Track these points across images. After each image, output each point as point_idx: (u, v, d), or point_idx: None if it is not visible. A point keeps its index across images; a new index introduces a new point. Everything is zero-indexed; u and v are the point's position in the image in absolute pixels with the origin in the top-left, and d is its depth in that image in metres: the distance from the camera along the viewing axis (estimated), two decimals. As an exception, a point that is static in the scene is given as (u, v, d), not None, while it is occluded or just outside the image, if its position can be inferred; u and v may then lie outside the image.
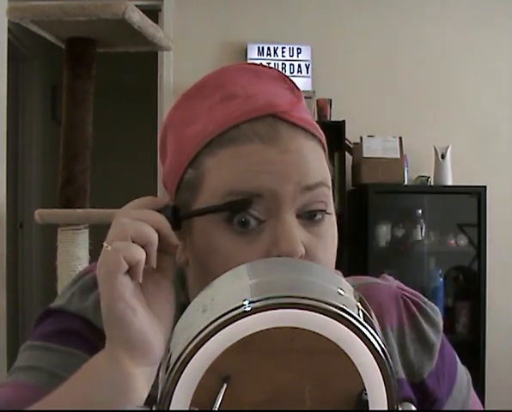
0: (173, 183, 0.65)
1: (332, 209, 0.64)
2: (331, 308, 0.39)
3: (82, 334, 0.71)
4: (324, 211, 0.62)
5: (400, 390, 0.72)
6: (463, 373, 0.80)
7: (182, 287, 0.72)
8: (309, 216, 0.62)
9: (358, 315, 0.39)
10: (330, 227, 0.63)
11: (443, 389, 0.76)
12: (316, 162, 0.62)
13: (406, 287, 0.79)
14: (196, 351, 0.39)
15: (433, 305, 0.79)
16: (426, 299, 0.78)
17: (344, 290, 0.42)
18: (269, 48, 3.60)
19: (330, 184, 0.64)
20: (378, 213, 3.39)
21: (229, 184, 0.59)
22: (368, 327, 0.39)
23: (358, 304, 0.41)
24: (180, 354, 0.39)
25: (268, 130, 0.60)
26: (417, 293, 0.79)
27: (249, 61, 3.56)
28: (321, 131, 0.67)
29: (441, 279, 3.42)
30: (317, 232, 0.62)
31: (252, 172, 0.59)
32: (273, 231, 0.59)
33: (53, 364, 0.68)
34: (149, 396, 0.56)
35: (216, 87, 0.65)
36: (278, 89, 0.65)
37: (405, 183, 3.47)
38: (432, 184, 3.51)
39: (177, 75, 3.64)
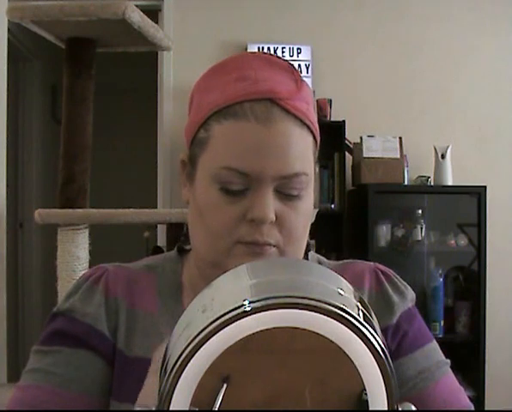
0: (189, 137, 0.78)
1: (309, 188, 0.75)
2: (331, 308, 0.39)
3: (65, 331, 0.78)
4: (300, 191, 0.73)
5: None
6: (436, 353, 0.83)
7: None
8: (292, 195, 0.73)
9: (358, 315, 0.39)
10: (303, 203, 0.74)
11: (402, 346, 0.80)
12: (300, 149, 0.72)
13: (382, 266, 0.87)
14: (196, 351, 0.39)
15: (405, 283, 0.86)
16: (399, 277, 0.86)
17: (344, 290, 0.42)
18: (269, 48, 3.60)
19: (310, 171, 0.74)
20: (378, 213, 3.38)
21: (225, 159, 0.71)
22: (368, 327, 0.39)
23: (358, 304, 0.41)
24: (180, 354, 0.39)
25: (264, 111, 0.70)
26: (391, 271, 0.87)
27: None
28: (316, 124, 0.76)
29: (441, 279, 3.42)
30: (291, 205, 0.73)
31: (243, 151, 0.70)
32: (251, 198, 0.71)
33: (48, 363, 0.77)
34: None
35: (234, 68, 0.75)
36: (284, 78, 0.74)
37: (405, 183, 3.47)
38: (432, 184, 3.51)
39: (177, 75, 3.64)
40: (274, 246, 0.73)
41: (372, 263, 0.87)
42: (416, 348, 0.81)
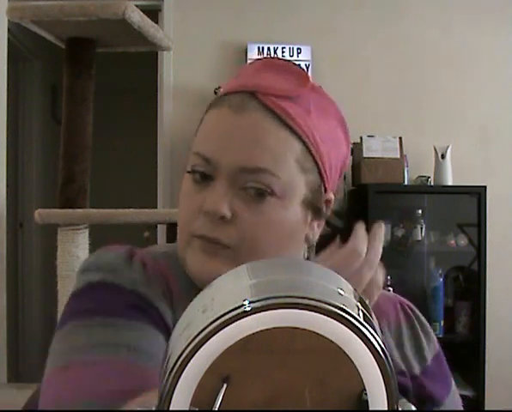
0: None
1: (285, 197, 0.70)
2: (331, 308, 0.39)
3: (144, 308, 0.70)
4: (264, 192, 0.69)
5: (403, 380, 0.77)
6: (456, 390, 0.84)
7: None
8: (254, 193, 0.69)
9: (358, 315, 0.39)
10: (270, 208, 0.69)
11: (440, 389, 0.80)
12: (271, 146, 0.69)
13: (402, 298, 0.86)
14: (196, 351, 0.39)
15: (424, 318, 0.85)
16: (417, 311, 0.85)
17: (344, 290, 0.42)
18: (269, 48, 3.60)
19: (286, 176, 0.69)
20: (378, 213, 3.38)
21: (197, 143, 0.73)
22: (368, 327, 0.39)
23: (358, 304, 0.41)
24: (180, 354, 0.39)
25: (240, 100, 0.70)
26: (410, 304, 0.85)
27: (249, 61, 3.56)
28: (312, 137, 0.71)
29: (441, 279, 3.42)
30: (252, 205, 0.69)
31: (209, 138, 0.71)
32: (209, 190, 0.70)
33: (127, 338, 0.67)
34: None
35: (249, 68, 0.76)
36: (283, 79, 0.72)
37: (405, 183, 3.47)
38: (432, 184, 3.51)
39: (177, 75, 3.64)
40: (228, 248, 0.68)
41: (393, 295, 0.85)
42: (449, 391, 0.81)
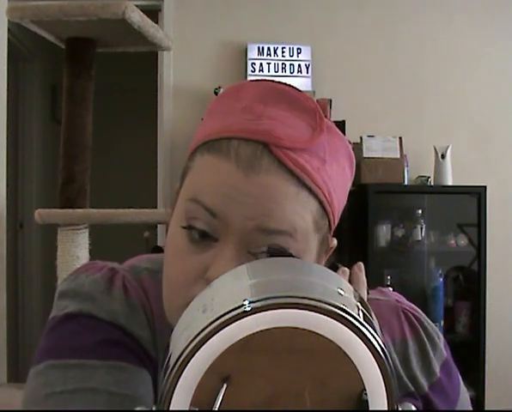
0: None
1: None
2: (331, 308, 0.39)
3: (124, 343, 0.66)
4: (279, 256, 0.60)
5: (414, 402, 0.72)
6: (465, 392, 0.80)
7: None
8: (258, 252, 0.60)
9: (358, 315, 0.39)
10: None
11: (450, 400, 0.76)
12: (288, 210, 0.59)
13: (405, 301, 0.79)
14: (196, 351, 0.39)
15: (430, 322, 0.78)
16: (424, 315, 0.78)
17: (344, 290, 0.42)
18: (269, 48, 3.60)
19: (301, 239, 0.61)
20: (378, 213, 3.38)
21: (196, 189, 0.61)
22: (368, 327, 0.39)
23: (358, 304, 0.41)
24: (180, 354, 0.39)
25: (250, 156, 0.59)
26: (415, 307, 0.79)
27: (249, 61, 3.57)
28: (328, 192, 0.63)
29: (441, 279, 3.42)
30: None
31: (214, 189, 0.60)
32: (213, 254, 0.60)
33: (106, 382, 0.63)
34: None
35: (247, 95, 0.64)
36: (298, 122, 0.62)
37: (405, 183, 3.47)
38: (432, 184, 3.51)
39: (177, 75, 3.64)
40: None
41: (394, 300, 0.78)
42: (456, 401, 0.77)
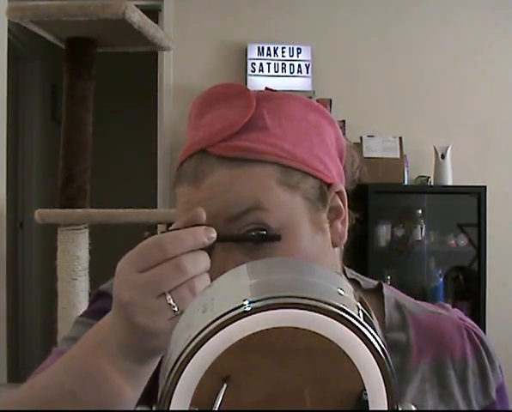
0: None
1: (283, 225, 0.63)
2: (331, 308, 0.39)
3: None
4: (263, 232, 0.63)
5: None
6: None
7: None
8: (252, 242, 0.63)
9: (358, 315, 0.39)
10: (275, 251, 0.63)
11: None
12: (241, 191, 0.63)
13: (467, 318, 0.78)
14: (196, 351, 0.39)
15: (491, 343, 0.77)
16: (484, 334, 0.77)
17: (344, 290, 0.42)
18: (269, 48, 3.60)
19: (273, 204, 0.63)
20: (378, 213, 3.39)
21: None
22: (368, 327, 0.39)
23: (358, 304, 0.41)
24: (180, 354, 0.39)
25: (193, 168, 0.65)
26: (476, 326, 0.78)
27: (249, 61, 3.57)
28: (281, 150, 0.65)
29: (441, 279, 3.42)
30: (260, 256, 0.62)
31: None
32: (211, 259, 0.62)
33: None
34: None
35: (191, 115, 0.71)
36: (232, 111, 0.66)
37: (405, 183, 3.47)
38: (432, 184, 3.51)
39: (177, 75, 3.64)
40: None
41: (457, 317, 0.77)
42: None
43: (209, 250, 0.61)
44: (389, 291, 0.78)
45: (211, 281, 0.60)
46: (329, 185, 0.69)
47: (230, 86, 0.68)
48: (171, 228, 0.61)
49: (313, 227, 0.66)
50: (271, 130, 0.66)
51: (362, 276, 0.81)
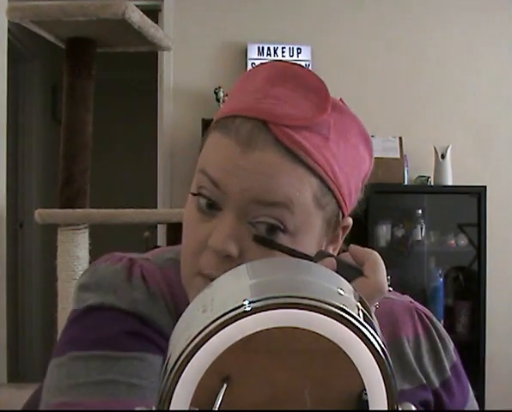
0: None
1: (296, 231, 0.64)
2: (331, 308, 0.38)
3: (145, 334, 0.68)
4: (276, 228, 0.63)
5: (425, 394, 0.76)
6: (473, 397, 0.82)
7: None
8: (264, 229, 0.63)
9: (358, 315, 0.39)
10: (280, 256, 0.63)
11: (458, 401, 0.78)
12: (283, 184, 0.62)
13: (417, 303, 0.82)
14: (196, 351, 0.39)
15: (439, 323, 0.82)
16: (433, 316, 0.82)
17: (344, 290, 0.42)
18: (269, 48, 3.60)
19: (300, 212, 0.63)
20: (378, 213, 3.39)
21: (204, 162, 0.66)
22: (368, 327, 0.39)
23: (358, 304, 0.41)
24: (180, 354, 0.39)
25: (249, 133, 0.63)
26: (426, 308, 0.82)
27: (249, 61, 3.57)
28: (330, 169, 0.65)
29: (441, 279, 3.42)
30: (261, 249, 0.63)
31: (217, 162, 0.64)
32: (216, 223, 0.64)
33: (127, 373, 0.65)
34: None
35: (261, 77, 0.67)
36: (304, 102, 0.65)
37: (405, 183, 3.47)
38: (432, 184, 3.51)
39: (177, 75, 3.64)
40: None
41: (408, 301, 0.81)
42: (465, 403, 0.79)
43: (213, 205, 0.64)
44: None
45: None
46: (342, 215, 0.70)
47: (311, 74, 0.67)
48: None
49: (315, 244, 0.67)
50: (330, 144, 0.65)
51: None
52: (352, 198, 0.70)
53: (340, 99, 0.70)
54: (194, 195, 0.66)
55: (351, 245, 0.66)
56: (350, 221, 0.72)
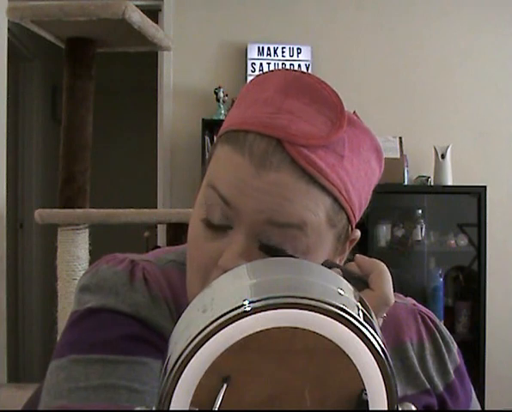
0: None
1: (307, 251, 0.62)
2: (331, 308, 0.38)
3: (146, 337, 0.67)
4: (287, 254, 0.61)
5: (429, 399, 0.75)
6: (476, 400, 0.82)
7: None
8: (274, 253, 0.61)
9: (358, 315, 0.39)
10: None
11: (462, 404, 0.78)
12: (298, 205, 0.60)
13: (420, 305, 0.81)
14: (196, 351, 0.38)
15: (443, 326, 0.81)
16: (437, 318, 0.81)
17: (344, 290, 0.42)
18: (269, 48, 3.60)
19: (314, 233, 0.62)
20: (378, 213, 3.39)
21: (214, 177, 0.64)
22: (368, 327, 0.39)
23: (358, 304, 0.41)
24: (180, 354, 0.39)
25: (264, 152, 0.60)
26: (429, 311, 0.82)
27: (249, 61, 3.57)
28: (344, 188, 0.63)
29: (441, 279, 3.42)
30: None
31: (228, 180, 0.62)
32: (227, 241, 0.62)
33: (128, 377, 0.64)
34: None
35: (272, 86, 0.64)
36: (317, 117, 0.62)
37: (405, 183, 3.47)
38: (432, 184, 3.51)
39: (177, 75, 3.64)
40: None
41: (411, 304, 0.80)
42: (468, 406, 0.79)
43: (222, 224, 0.62)
44: None
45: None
46: (351, 229, 0.69)
47: (325, 86, 0.64)
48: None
49: (323, 258, 0.66)
50: (345, 162, 0.63)
51: None
52: (362, 211, 0.69)
53: (354, 113, 0.68)
54: (203, 218, 0.64)
55: (357, 255, 0.65)
56: (358, 233, 0.71)
